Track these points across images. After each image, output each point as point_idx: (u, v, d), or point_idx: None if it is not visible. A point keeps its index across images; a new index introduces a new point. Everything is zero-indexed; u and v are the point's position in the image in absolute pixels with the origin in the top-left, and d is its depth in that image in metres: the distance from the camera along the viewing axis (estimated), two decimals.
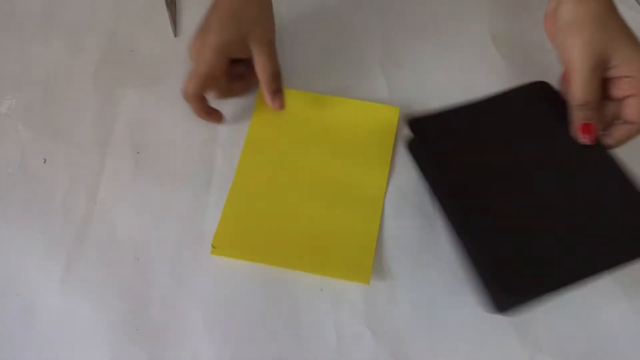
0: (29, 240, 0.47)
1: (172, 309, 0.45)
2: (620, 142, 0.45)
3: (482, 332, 0.44)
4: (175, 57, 0.56)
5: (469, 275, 0.43)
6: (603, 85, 0.44)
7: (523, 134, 0.45)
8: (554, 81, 0.47)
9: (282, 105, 0.51)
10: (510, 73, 0.55)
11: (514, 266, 0.39)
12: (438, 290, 0.46)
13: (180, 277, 0.46)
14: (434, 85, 0.54)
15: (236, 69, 0.51)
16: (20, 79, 0.55)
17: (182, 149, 0.52)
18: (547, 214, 0.42)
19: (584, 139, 0.44)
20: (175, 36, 0.58)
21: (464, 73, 0.55)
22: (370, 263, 0.46)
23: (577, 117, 0.44)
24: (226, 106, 0.52)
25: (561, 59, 0.44)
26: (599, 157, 0.44)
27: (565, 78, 0.46)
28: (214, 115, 0.51)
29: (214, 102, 0.51)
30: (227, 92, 0.51)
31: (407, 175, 0.50)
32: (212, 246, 0.46)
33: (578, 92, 0.43)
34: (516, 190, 0.43)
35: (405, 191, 0.49)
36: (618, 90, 0.44)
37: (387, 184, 0.49)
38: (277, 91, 0.50)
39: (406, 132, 0.49)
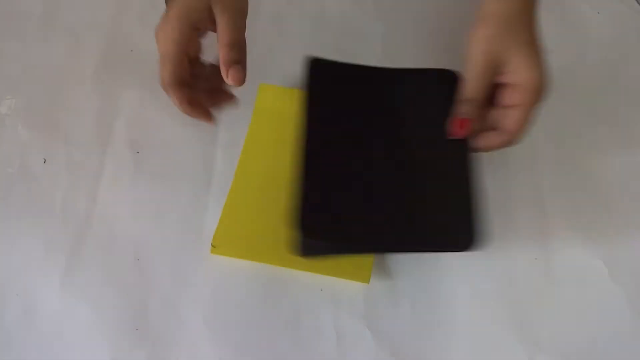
0: (28, 240, 0.47)
1: (172, 309, 0.45)
2: (489, 148, 0.45)
3: (482, 332, 0.44)
4: None
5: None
6: (496, 91, 0.44)
7: (404, 111, 0.47)
8: None
9: (238, 80, 0.42)
10: None
11: (323, 212, 0.41)
12: (438, 290, 0.46)
13: (180, 277, 0.46)
14: None
15: (199, 70, 0.46)
16: (20, 79, 0.55)
17: (182, 149, 0.52)
18: (383, 184, 0.44)
19: (455, 132, 0.44)
20: None
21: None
22: (371, 262, 0.46)
23: (459, 111, 0.44)
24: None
25: (466, 51, 0.44)
26: (458, 154, 0.44)
27: None
28: (200, 111, 0.45)
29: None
30: (192, 89, 0.45)
31: None
32: (212, 245, 0.46)
33: (467, 86, 0.43)
34: (368, 155, 0.45)
35: None
36: (504, 97, 0.44)
37: None
38: (235, 63, 0.42)
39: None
